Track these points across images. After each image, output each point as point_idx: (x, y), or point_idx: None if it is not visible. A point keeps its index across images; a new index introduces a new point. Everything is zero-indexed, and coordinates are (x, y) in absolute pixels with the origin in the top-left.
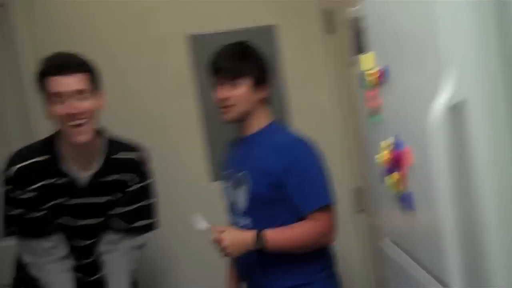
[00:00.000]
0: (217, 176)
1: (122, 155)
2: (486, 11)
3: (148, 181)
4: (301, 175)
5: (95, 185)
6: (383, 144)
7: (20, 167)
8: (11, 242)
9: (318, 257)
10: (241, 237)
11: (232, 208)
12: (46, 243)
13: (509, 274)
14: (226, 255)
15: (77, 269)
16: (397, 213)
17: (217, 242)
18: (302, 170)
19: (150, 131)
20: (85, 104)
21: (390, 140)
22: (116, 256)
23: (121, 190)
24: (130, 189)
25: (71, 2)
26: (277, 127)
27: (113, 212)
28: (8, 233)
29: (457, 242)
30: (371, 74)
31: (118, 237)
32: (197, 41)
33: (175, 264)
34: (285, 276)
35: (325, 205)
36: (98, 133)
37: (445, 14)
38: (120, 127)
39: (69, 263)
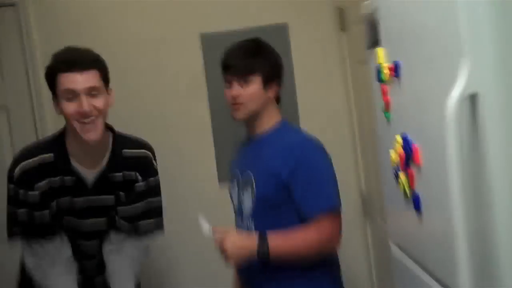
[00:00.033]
0: (225, 177)
1: (129, 153)
2: (503, 3)
3: (154, 180)
4: (307, 177)
5: (102, 183)
6: (395, 142)
7: (23, 165)
8: (16, 244)
9: (321, 263)
10: (242, 244)
11: (238, 210)
12: (49, 244)
13: None
14: (226, 259)
15: (81, 270)
16: (405, 216)
17: (218, 244)
18: (309, 172)
19: (159, 131)
20: (97, 102)
21: (400, 138)
22: (121, 257)
23: (127, 189)
24: (136, 187)
25: (82, 2)
26: (287, 127)
27: (118, 211)
28: (12, 234)
29: (469, 248)
30: (385, 68)
31: (122, 237)
32: (209, 40)
33: (175, 264)
34: (288, 283)
35: (330, 209)
36: (106, 129)
37: (463, 8)
38: (127, 126)
39: (73, 265)
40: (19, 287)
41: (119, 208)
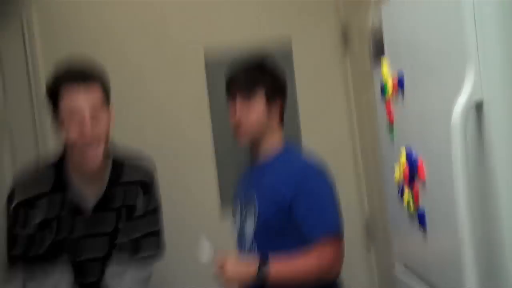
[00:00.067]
0: (226, 204)
1: (129, 179)
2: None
3: (154, 206)
4: (308, 201)
5: (102, 209)
6: (399, 156)
7: (19, 202)
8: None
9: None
10: (243, 271)
11: (240, 234)
12: (48, 281)
13: None
14: (225, 282)
15: None
16: (410, 233)
17: (219, 274)
18: (310, 196)
19: (160, 155)
20: (99, 126)
21: (404, 152)
22: (123, 281)
23: (127, 212)
24: (136, 215)
25: (83, 21)
26: (290, 152)
27: (118, 235)
28: (12, 275)
29: (476, 264)
30: (389, 80)
31: (123, 269)
32: (213, 59)
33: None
34: None
35: (331, 233)
36: (107, 156)
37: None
38: (129, 143)
39: None
40: None
41: (120, 231)
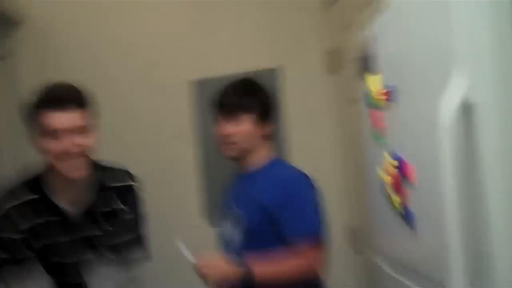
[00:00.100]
0: (210, 218)
1: (114, 184)
2: (500, 14)
3: (139, 211)
4: (292, 206)
5: (88, 218)
6: (385, 163)
7: (7, 209)
8: None
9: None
10: (227, 274)
11: (227, 244)
12: (33, 285)
13: None
14: (208, 281)
15: None
16: (397, 236)
17: (201, 267)
18: (294, 201)
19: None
20: (82, 141)
21: (391, 159)
22: (107, 285)
23: (114, 221)
24: (122, 219)
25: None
26: (277, 163)
27: (104, 241)
28: None
29: (464, 264)
30: (378, 95)
31: (111, 271)
32: (200, 86)
33: None
34: None
35: (313, 237)
36: (90, 164)
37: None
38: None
39: None
40: None
41: (105, 235)
